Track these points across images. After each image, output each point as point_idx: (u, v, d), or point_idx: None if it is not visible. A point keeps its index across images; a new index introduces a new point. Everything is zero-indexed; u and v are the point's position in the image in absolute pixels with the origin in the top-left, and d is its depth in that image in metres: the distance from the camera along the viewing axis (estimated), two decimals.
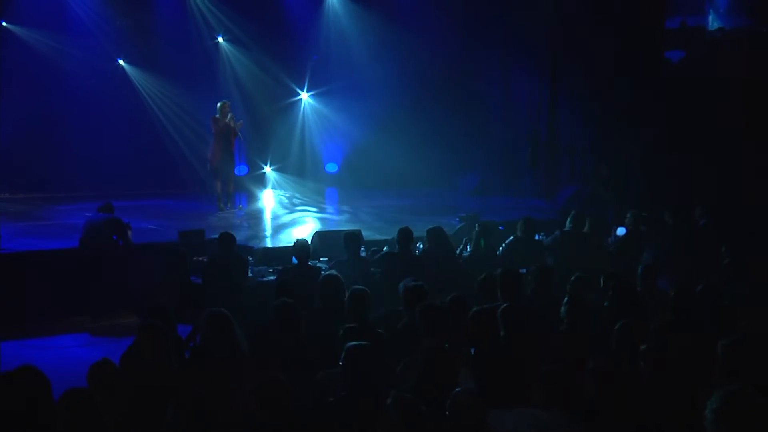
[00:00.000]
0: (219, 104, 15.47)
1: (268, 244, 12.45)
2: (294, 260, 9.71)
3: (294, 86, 20.10)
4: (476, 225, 10.78)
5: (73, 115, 17.71)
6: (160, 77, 18.66)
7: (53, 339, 10.18)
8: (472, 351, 6.60)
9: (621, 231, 12.05)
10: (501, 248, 10.67)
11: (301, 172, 20.10)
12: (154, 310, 6.92)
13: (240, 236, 11.51)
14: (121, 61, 18.42)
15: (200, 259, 10.57)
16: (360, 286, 7.39)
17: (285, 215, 15.90)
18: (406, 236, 9.90)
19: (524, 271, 9.19)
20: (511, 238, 10.93)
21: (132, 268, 10.85)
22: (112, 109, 18.07)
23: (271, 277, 10.05)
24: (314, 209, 16.98)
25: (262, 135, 19.53)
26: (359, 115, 20.11)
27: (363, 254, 10.34)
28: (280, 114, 19.89)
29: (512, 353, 6.56)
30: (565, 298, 7.21)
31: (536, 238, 11.21)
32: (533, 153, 18.35)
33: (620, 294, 7.45)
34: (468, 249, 11.13)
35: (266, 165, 19.80)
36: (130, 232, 11.32)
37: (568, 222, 11.26)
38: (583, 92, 18.37)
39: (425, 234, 10.47)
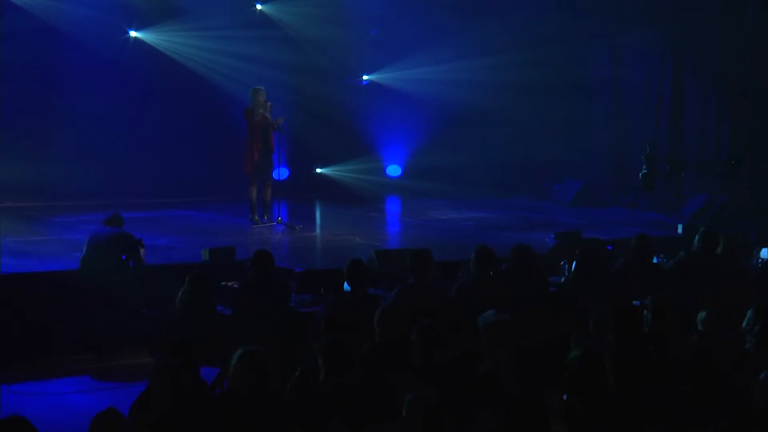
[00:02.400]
0: (251, 91, 15.51)
1: (315, 265, 12.45)
2: (346, 286, 9.68)
3: (348, 67, 20.14)
4: (577, 251, 10.65)
5: (72, 104, 17.91)
6: (182, 53, 18.79)
7: (47, 383, 10.26)
8: (564, 397, 6.50)
9: (766, 253, 11.82)
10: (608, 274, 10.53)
11: (355, 176, 20.11)
12: (172, 347, 6.93)
13: (279, 256, 11.51)
14: (132, 33, 18.60)
15: (230, 284, 10.58)
16: (430, 321, 7.32)
17: (335, 229, 15.91)
18: (484, 257, 9.81)
19: (639, 303, 9.04)
20: (622, 261, 10.78)
21: (145, 295, 10.91)
22: (121, 96, 18.25)
23: (318, 308, 10.03)
24: (372, 222, 16.96)
25: (308, 129, 19.59)
26: (428, 105, 20.08)
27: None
28: (330, 103, 19.93)
29: (624, 407, 6.44)
30: (694, 339, 7.06)
31: (654, 260, 11.05)
32: (649, 173, 18.05)
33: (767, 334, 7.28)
34: (566, 275, 11.01)
35: (315, 167, 19.89)
36: (142, 251, 11.38)
37: (696, 241, 11.08)
38: (717, 81, 18.08)
39: (510, 255, 10.38)
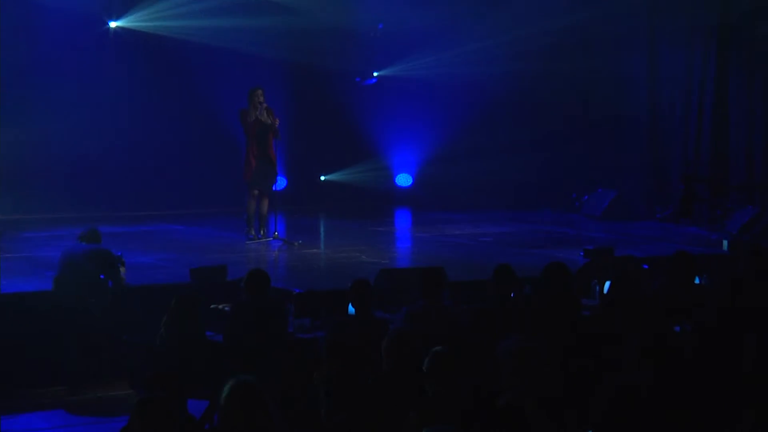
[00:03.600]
0: (249, 91, 15.51)
1: (316, 286, 12.44)
2: (351, 309, 9.68)
3: (354, 65, 20.14)
4: (610, 271, 10.62)
5: (44, 105, 17.89)
6: (168, 48, 18.76)
7: (16, 419, 10.22)
8: None
9: None
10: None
11: (362, 185, 20.12)
12: (156, 378, 6.92)
13: (276, 275, 11.52)
14: (113, 24, 18.59)
15: (220, 307, 10.59)
16: (444, 348, 7.31)
17: (339, 246, 15.91)
18: (504, 278, 9.79)
19: (679, 329, 9.02)
20: (660, 281, 10.76)
21: (126, 320, 10.91)
22: (99, 96, 18.26)
23: (320, 333, 10.03)
24: (379, 237, 16.96)
25: (309, 134, 19.60)
26: (442, 107, 20.09)
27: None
28: (334, 104, 19.94)
29: None
30: (741, 369, 7.03)
31: (696, 281, 11.02)
32: (687, 196, 18.01)
33: None
34: (597, 298, 11.00)
35: (319, 176, 19.89)
36: (123, 270, 11.38)
37: (743, 259, 11.05)
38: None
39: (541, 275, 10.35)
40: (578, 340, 9.39)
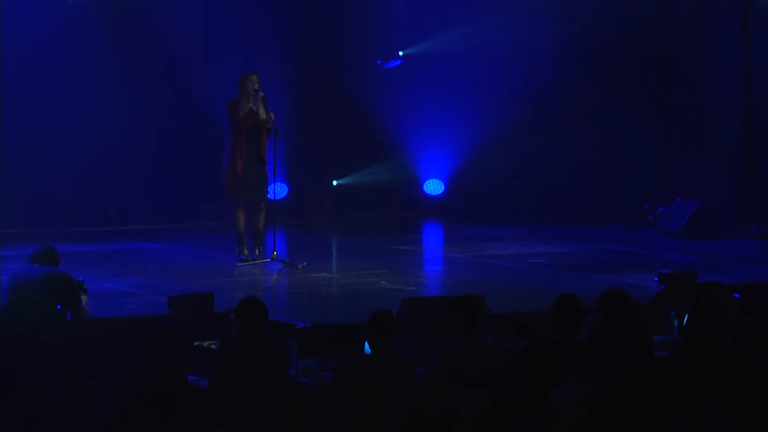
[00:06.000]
0: (241, 77, 15.52)
1: (324, 319, 12.47)
2: (367, 347, 9.70)
3: (371, 46, 20.22)
4: (693, 300, 10.63)
5: None
6: (142, 21, 18.84)
7: None
8: None
9: None
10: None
11: (382, 193, 20.16)
12: (127, 430, 6.96)
13: (274, 306, 11.54)
14: None
15: (206, 344, 10.62)
16: (484, 394, 7.34)
17: (353, 269, 15.92)
18: (569, 312, 9.79)
19: None
20: (754, 314, 10.74)
21: (89, 359, 10.94)
22: (59, 84, 18.35)
23: (328, 376, 10.06)
24: (403, 258, 16.97)
25: (316, 131, 19.66)
26: (481, 98, 20.12)
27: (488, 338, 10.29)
28: (347, 94, 20.00)
29: None
30: None
31: None
32: None
33: None
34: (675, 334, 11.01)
35: (331, 181, 19.95)
36: (85, 298, 11.41)
37: None
38: None
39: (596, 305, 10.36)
40: (651, 387, 9.39)
